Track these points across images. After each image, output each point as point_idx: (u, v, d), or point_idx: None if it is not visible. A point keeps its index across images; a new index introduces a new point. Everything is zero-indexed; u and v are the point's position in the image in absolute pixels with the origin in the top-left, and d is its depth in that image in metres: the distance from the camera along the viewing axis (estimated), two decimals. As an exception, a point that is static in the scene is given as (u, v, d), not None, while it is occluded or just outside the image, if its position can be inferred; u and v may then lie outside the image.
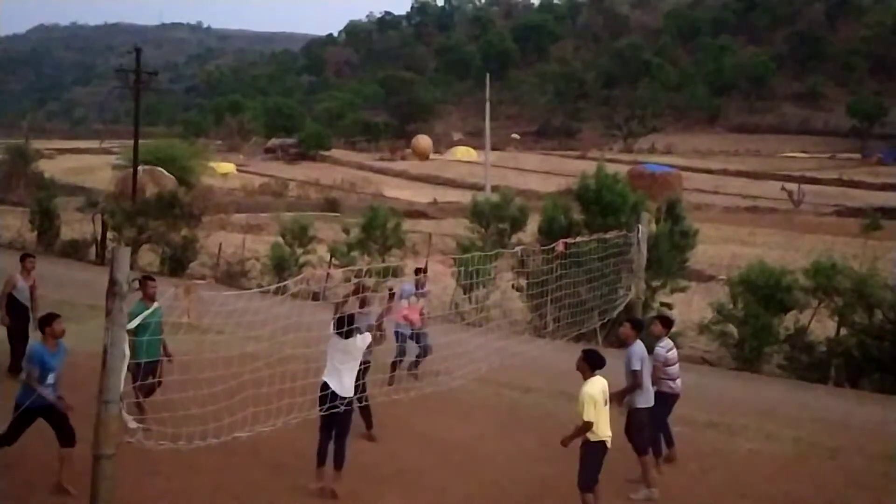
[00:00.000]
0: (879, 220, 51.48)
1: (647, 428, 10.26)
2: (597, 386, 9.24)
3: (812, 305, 18.80)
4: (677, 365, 11.02)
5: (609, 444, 9.32)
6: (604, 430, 9.21)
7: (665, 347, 10.87)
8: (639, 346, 10.28)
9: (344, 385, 9.39)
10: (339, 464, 9.52)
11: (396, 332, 13.49)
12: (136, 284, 9.57)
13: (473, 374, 11.16)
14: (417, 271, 13.97)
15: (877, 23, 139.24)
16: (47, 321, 9.36)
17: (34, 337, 13.17)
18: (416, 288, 13.62)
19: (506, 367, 12.29)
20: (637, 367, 10.13)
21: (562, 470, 9.65)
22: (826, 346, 18.30)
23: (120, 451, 7.36)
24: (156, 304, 10.79)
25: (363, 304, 11.23)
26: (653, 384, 10.45)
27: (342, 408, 9.31)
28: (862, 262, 21.57)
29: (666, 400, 10.79)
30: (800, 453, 12.06)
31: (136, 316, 9.93)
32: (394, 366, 13.52)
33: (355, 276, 18.30)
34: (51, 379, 9.08)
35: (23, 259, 14.00)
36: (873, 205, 62.72)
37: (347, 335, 9.40)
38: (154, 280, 11.33)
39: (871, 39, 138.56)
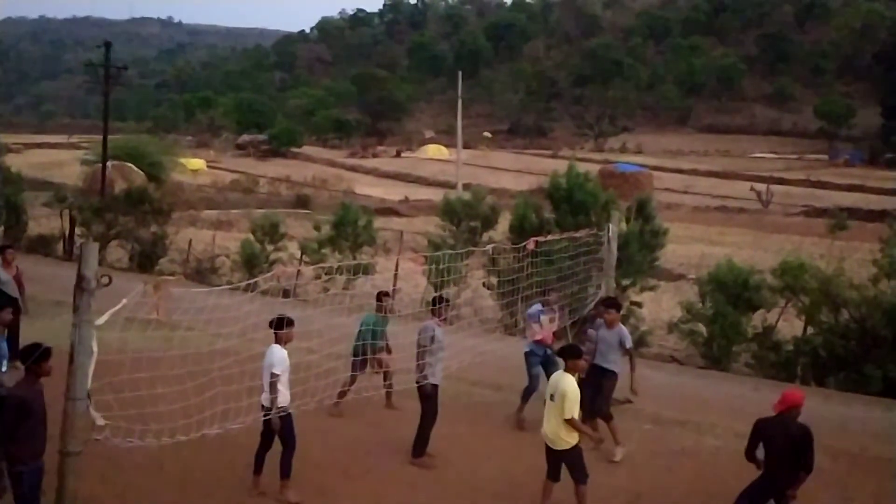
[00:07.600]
0: (846, 221, 52.01)
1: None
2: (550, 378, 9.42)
3: (780, 304, 18.92)
4: None
5: (544, 440, 9.26)
6: (544, 421, 9.26)
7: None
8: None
9: (264, 398, 9.28)
10: (284, 473, 9.46)
11: (528, 355, 12.50)
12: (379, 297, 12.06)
13: (444, 372, 11.16)
14: (545, 292, 12.82)
15: (845, 25, 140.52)
16: None
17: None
18: (543, 307, 12.52)
19: (476, 365, 12.28)
20: (631, 344, 11.56)
21: (531, 467, 9.68)
22: (793, 344, 18.43)
23: (87, 449, 7.29)
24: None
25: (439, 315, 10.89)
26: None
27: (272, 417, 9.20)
28: (829, 262, 21.76)
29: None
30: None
31: (371, 325, 11.75)
32: (525, 396, 12.45)
33: (326, 274, 18.31)
34: (4, 366, 8.84)
35: (1, 251, 13.78)
36: (840, 205, 63.33)
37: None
38: (389, 294, 12.70)
39: (840, 42, 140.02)
